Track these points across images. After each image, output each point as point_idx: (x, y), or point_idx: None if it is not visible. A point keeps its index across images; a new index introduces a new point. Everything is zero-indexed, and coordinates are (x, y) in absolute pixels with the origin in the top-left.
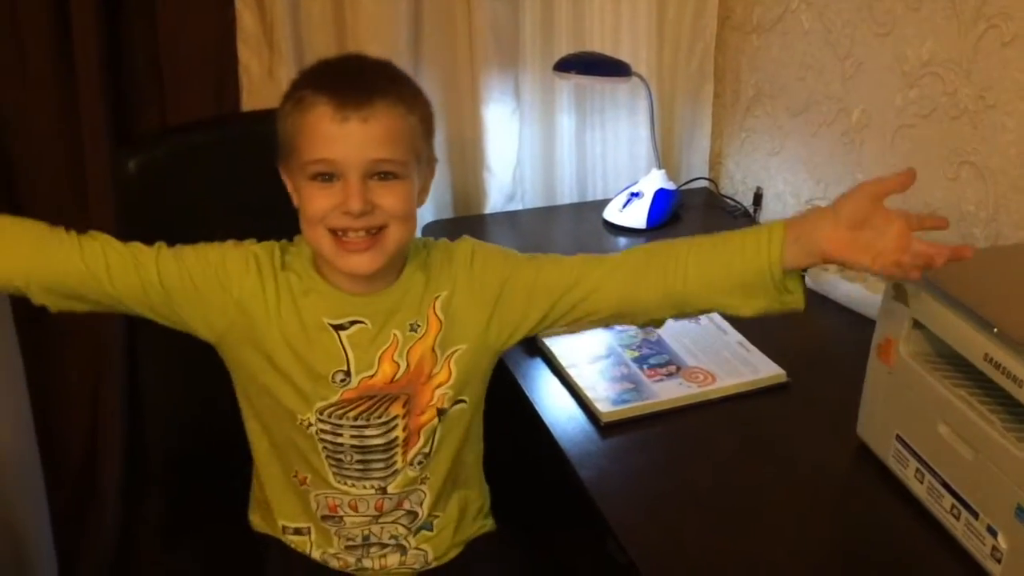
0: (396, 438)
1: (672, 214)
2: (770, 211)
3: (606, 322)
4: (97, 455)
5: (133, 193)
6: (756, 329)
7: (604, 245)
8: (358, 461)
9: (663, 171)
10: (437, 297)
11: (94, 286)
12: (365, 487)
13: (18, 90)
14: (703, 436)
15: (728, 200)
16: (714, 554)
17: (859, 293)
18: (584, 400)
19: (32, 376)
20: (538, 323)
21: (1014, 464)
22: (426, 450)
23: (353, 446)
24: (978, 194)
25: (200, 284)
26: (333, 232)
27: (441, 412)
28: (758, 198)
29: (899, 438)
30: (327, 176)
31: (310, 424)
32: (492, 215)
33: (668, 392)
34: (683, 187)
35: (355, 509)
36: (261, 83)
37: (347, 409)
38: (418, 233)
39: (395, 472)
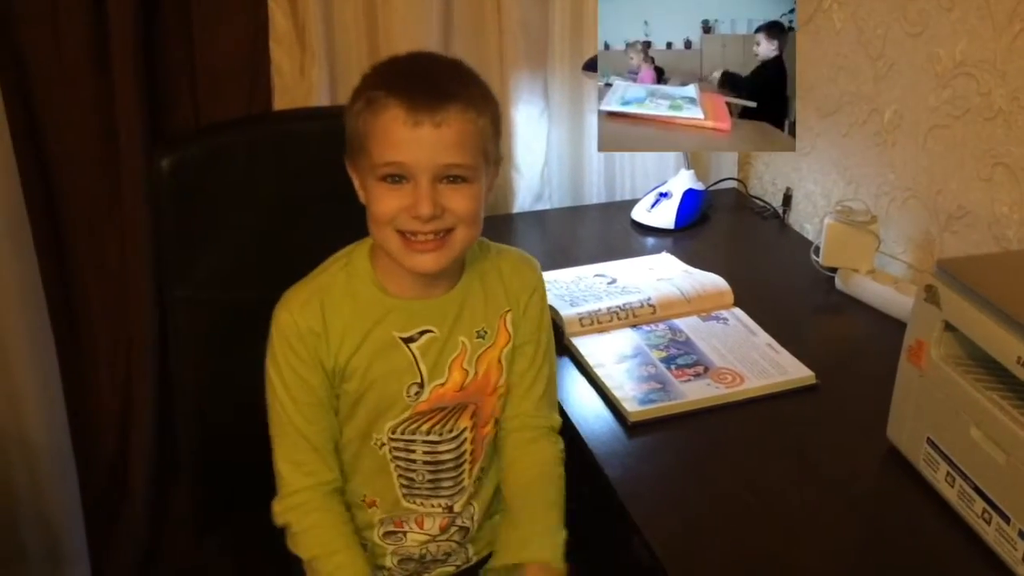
0: (464, 451)
1: (701, 215)
2: (799, 212)
3: None
4: (128, 447)
5: (166, 192)
6: (785, 331)
7: (632, 245)
8: (429, 481)
9: (692, 171)
10: (508, 311)
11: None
12: (433, 506)
13: (54, 85)
14: (731, 437)
15: (757, 201)
16: (741, 556)
17: (889, 295)
18: (611, 400)
19: (65, 369)
20: None
21: None
22: (483, 464)
23: (425, 462)
24: (1012, 196)
25: (324, 390)
26: (401, 233)
27: (497, 423)
28: (787, 199)
29: (930, 441)
30: (397, 178)
31: (383, 444)
32: (520, 214)
33: (696, 393)
34: (712, 187)
35: (420, 526)
36: (293, 83)
37: (419, 423)
38: None
39: (462, 490)
